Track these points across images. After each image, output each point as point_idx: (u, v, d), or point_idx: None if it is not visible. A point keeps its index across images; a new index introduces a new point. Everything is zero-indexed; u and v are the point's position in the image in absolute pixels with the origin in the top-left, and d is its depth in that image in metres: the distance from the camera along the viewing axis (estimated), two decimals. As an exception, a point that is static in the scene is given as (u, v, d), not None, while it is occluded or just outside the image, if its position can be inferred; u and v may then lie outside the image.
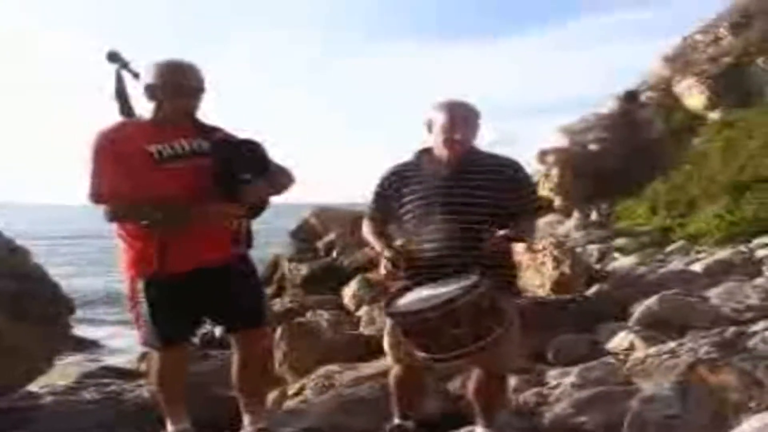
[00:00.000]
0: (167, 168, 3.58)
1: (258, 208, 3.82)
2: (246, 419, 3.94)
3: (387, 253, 3.73)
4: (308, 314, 11.21)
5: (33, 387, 7.48)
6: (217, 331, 3.72)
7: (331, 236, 18.70)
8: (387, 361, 4.08)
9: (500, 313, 3.41)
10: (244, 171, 3.68)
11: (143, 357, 10.72)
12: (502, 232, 3.49)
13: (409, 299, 3.50)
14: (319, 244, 19.07)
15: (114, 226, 3.72)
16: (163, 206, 3.50)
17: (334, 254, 17.27)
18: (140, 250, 3.65)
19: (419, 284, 3.59)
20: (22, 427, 5.76)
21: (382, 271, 3.79)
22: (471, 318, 3.27)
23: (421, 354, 3.44)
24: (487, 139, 3.80)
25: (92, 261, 34.06)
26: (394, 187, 3.84)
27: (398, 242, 3.80)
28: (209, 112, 3.83)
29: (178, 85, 3.62)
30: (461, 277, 3.42)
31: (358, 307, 11.83)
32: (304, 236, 20.32)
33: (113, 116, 3.73)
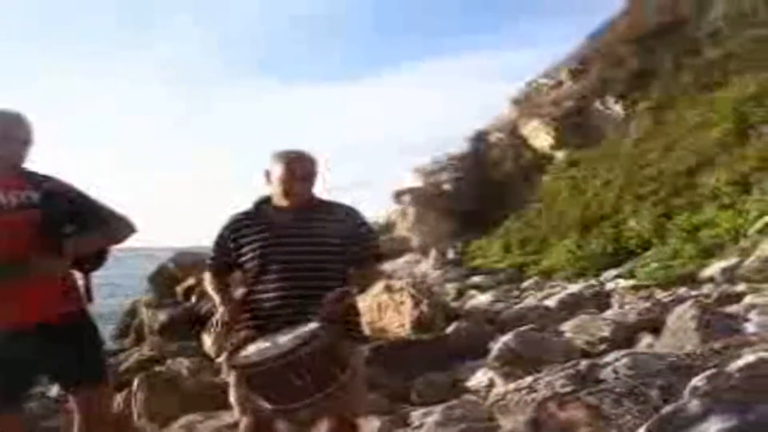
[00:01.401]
0: None
1: (94, 260, 3.72)
2: None
3: (223, 308, 3.69)
4: (168, 362, 10.96)
5: None
6: (53, 390, 3.54)
7: (190, 281, 18.36)
8: (234, 413, 4.00)
9: (343, 361, 3.41)
10: (73, 222, 3.58)
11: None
12: (338, 291, 3.53)
13: (252, 350, 3.45)
14: (178, 289, 18.68)
15: None
16: None
17: (193, 299, 16.96)
18: None
19: (262, 334, 3.55)
20: None
21: (217, 322, 3.72)
22: (313, 367, 3.26)
23: (267, 405, 3.40)
24: (339, 182, 3.84)
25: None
26: (233, 237, 3.80)
27: (237, 293, 3.79)
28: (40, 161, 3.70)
29: (4, 136, 3.50)
30: (302, 326, 3.40)
31: (218, 353, 11.64)
32: (163, 281, 19.87)
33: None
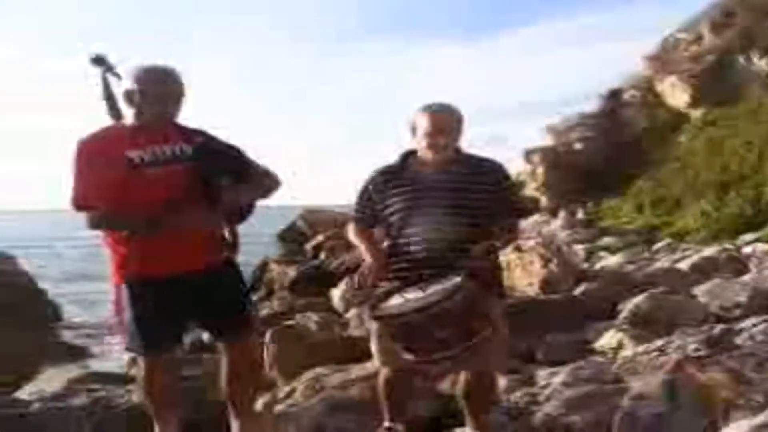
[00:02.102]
0: (148, 174, 3.55)
1: (242, 212, 3.80)
2: (234, 426, 3.93)
3: (370, 258, 3.74)
4: (297, 317, 11.18)
5: (21, 394, 7.45)
6: (205, 336, 3.68)
7: (319, 238, 18.65)
8: (375, 363, 4.07)
9: (486, 315, 3.42)
10: (223, 176, 3.66)
11: (132, 362, 10.71)
12: (483, 245, 3.50)
13: (395, 302, 3.49)
14: (307, 247, 19.01)
15: (98, 233, 3.70)
16: (141, 214, 3.47)
17: (322, 256, 17.23)
18: (124, 256, 3.62)
19: (405, 286, 3.58)
20: (10, 433, 5.73)
21: (364, 271, 3.76)
22: (456, 320, 3.27)
23: (407, 356, 3.44)
24: (476, 141, 3.81)
25: (80, 267, 33.87)
26: (379, 189, 3.83)
27: (382, 245, 3.81)
28: (189, 114, 3.78)
29: (157, 89, 3.60)
30: (446, 279, 3.42)
31: (347, 309, 11.79)
32: (292, 238, 20.26)
33: (102, 119, 3.72)
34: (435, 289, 3.38)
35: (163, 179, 3.56)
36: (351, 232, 4.02)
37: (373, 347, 3.96)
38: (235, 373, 3.87)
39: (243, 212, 3.81)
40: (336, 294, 12.82)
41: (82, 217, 3.56)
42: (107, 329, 16.62)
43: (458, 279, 3.36)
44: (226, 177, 3.67)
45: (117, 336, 3.98)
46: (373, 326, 3.90)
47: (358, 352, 7.53)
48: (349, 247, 15.96)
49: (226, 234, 3.82)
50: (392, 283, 3.69)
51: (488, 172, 3.79)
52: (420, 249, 3.66)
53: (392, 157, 3.95)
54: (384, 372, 3.99)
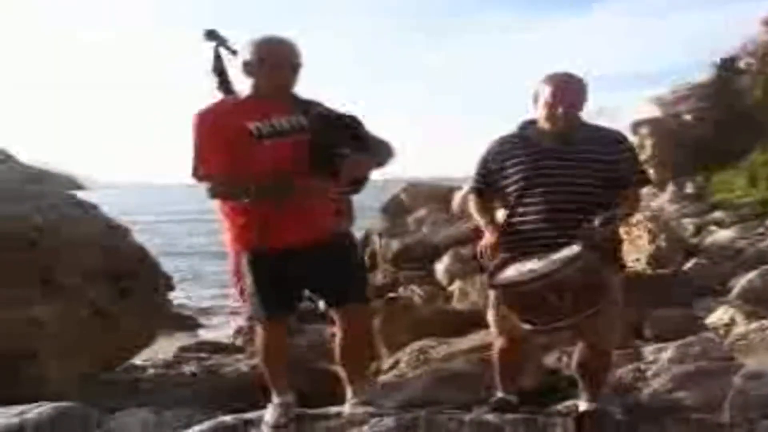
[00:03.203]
0: (266, 144, 3.59)
1: (358, 182, 3.82)
2: (349, 392, 3.97)
3: (489, 229, 3.73)
4: (400, 290, 11.26)
5: (135, 360, 7.75)
6: (320, 304, 3.77)
7: (422, 212, 18.66)
8: (490, 333, 4.08)
9: (604, 286, 3.38)
10: (342, 146, 3.66)
11: (238, 333, 10.99)
12: (603, 215, 3.43)
13: (513, 271, 3.48)
14: (410, 220, 19.05)
15: (217, 204, 3.78)
16: (262, 183, 3.53)
17: (425, 230, 17.24)
18: (243, 226, 3.69)
19: (522, 256, 3.56)
20: (125, 397, 5.95)
21: (483, 245, 3.76)
22: (574, 290, 3.25)
23: (524, 326, 3.44)
24: (584, 113, 3.72)
25: (191, 240, 34.83)
26: (498, 159, 3.78)
27: (501, 216, 3.79)
28: (306, 85, 3.79)
29: (275, 61, 3.62)
30: (565, 249, 3.39)
31: (450, 282, 11.81)
32: (395, 211, 20.32)
33: (214, 94, 3.77)
34: (553, 258, 3.36)
35: (280, 150, 3.60)
36: (469, 203, 4.01)
37: (490, 316, 3.95)
38: (350, 340, 3.91)
39: (358, 182, 3.82)
40: (439, 267, 12.84)
41: (202, 187, 3.64)
42: (217, 300, 17.15)
43: (577, 248, 3.33)
44: (343, 147, 3.67)
45: (237, 303, 4.07)
46: (490, 295, 3.89)
47: (461, 325, 7.56)
48: (452, 220, 16.02)
49: (342, 204, 3.86)
50: (510, 252, 3.66)
51: (609, 142, 3.71)
52: (537, 219, 3.62)
53: (503, 131, 3.92)
54: (499, 341, 3.98)
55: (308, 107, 3.76)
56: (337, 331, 3.97)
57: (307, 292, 3.97)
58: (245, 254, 3.72)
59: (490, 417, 3.64)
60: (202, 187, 3.64)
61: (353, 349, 3.93)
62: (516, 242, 3.65)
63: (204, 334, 12.84)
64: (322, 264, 3.71)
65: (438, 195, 19.00)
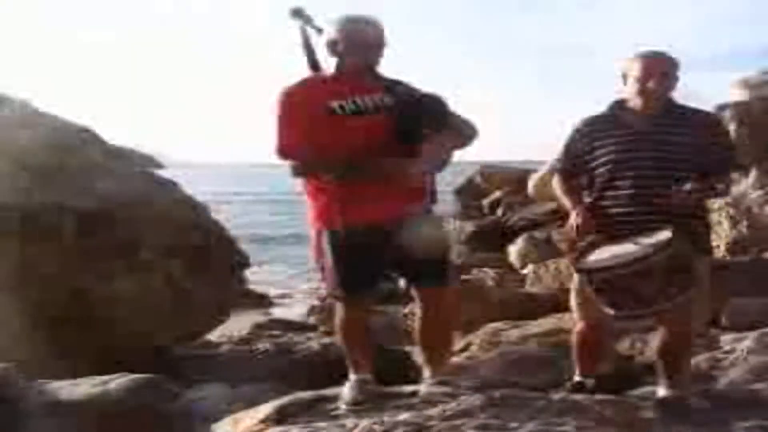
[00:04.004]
0: (349, 123, 3.61)
1: (440, 163, 3.80)
2: (427, 372, 3.95)
3: (575, 211, 3.67)
4: (474, 271, 11.21)
5: (211, 336, 7.88)
6: (401, 284, 3.78)
7: (497, 194, 18.54)
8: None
9: (693, 273, 3.32)
10: (425, 126, 3.65)
11: (312, 310, 11.09)
12: (690, 185, 3.35)
13: (600, 255, 3.44)
14: (484, 202, 18.95)
15: (299, 182, 3.80)
16: (345, 161, 3.55)
17: (499, 212, 17.13)
18: (325, 204, 3.70)
19: (611, 239, 3.51)
20: (200, 372, 6.06)
21: (569, 228, 3.71)
22: (663, 275, 3.21)
23: (610, 311, 3.39)
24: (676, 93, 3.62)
25: (268, 220, 35.22)
26: (585, 140, 3.71)
27: (588, 199, 3.73)
28: (389, 65, 3.80)
29: (360, 39, 3.64)
30: (654, 234, 3.33)
31: (523, 265, 11.72)
32: (469, 194, 20.24)
33: (299, 72, 3.79)
34: (642, 243, 3.31)
35: (364, 128, 3.61)
36: (554, 183, 3.95)
37: (572, 299, 3.91)
38: (431, 322, 3.90)
39: (442, 161, 3.81)
40: (513, 250, 12.75)
41: (282, 167, 3.69)
42: (291, 279, 17.33)
43: (668, 234, 3.27)
44: (426, 126, 3.67)
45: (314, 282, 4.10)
46: (575, 279, 3.85)
47: (534, 308, 7.51)
48: (527, 203, 15.87)
49: (425, 183, 3.85)
50: (597, 236, 3.61)
51: (703, 125, 3.63)
52: (626, 202, 3.56)
53: (583, 113, 3.85)
54: (580, 325, 3.94)
55: (392, 86, 3.75)
56: (418, 311, 3.97)
57: (389, 272, 3.97)
58: (326, 232, 3.74)
59: (579, 397, 3.58)
60: (282, 168, 3.69)
61: (434, 331, 3.92)
62: (604, 225, 3.59)
63: (277, 312, 12.97)
64: (405, 242, 3.68)
65: (513, 178, 18.85)
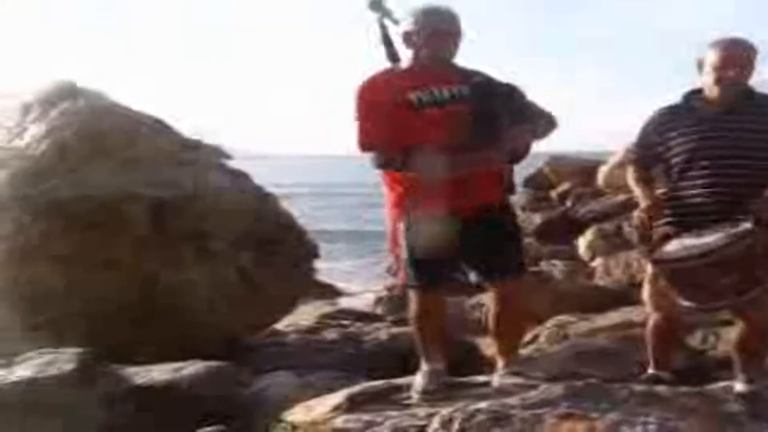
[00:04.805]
0: (427, 114, 3.61)
1: (519, 153, 3.78)
2: (500, 363, 3.96)
3: (646, 203, 3.63)
4: (542, 264, 11.15)
5: (279, 326, 7.97)
6: (472, 276, 3.74)
7: (565, 186, 18.36)
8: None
9: None
10: (503, 116, 3.64)
11: (379, 301, 11.13)
12: None
13: (675, 246, 3.38)
14: (553, 194, 18.78)
15: (379, 173, 3.82)
16: (424, 153, 3.52)
17: (568, 204, 16.96)
18: (402, 194, 3.72)
19: (685, 231, 3.46)
20: (269, 361, 6.14)
21: (641, 217, 3.66)
22: (742, 267, 3.14)
23: (685, 302, 3.34)
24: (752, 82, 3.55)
25: (341, 211, 35.36)
26: (660, 130, 3.66)
27: (661, 190, 3.69)
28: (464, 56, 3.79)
29: (435, 30, 3.63)
30: (731, 225, 3.26)
31: (592, 257, 11.61)
32: (538, 185, 20.07)
33: (378, 64, 3.81)
34: (719, 234, 3.24)
35: (442, 120, 3.61)
36: (628, 173, 3.90)
37: (645, 291, 3.88)
38: (504, 314, 3.89)
39: (521, 153, 3.79)
40: (582, 242, 12.63)
41: (361, 159, 3.73)
42: (361, 270, 17.41)
43: (745, 225, 3.20)
44: (505, 117, 3.66)
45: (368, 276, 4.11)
46: (648, 270, 3.82)
47: (602, 301, 7.45)
48: (596, 195, 15.68)
49: (503, 175, 3.83)
50: (670, 227, 3.57)
51: None
52: (701, 193, 3.50)
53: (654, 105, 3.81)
54: (654, 317, 3.89)
55: (469, 77, 3.74)
56: (492, 304, 3.96)
57: (463, 263, 3.96)
58: (402, 222, 3.76)
59: (661, 388, 3.52)
60: (360, 160, 3.71)
61: (508, 323, 3.92)
62: (679, 216, 3.55)
63: (345, 303, 13.03)
64: (482, 234, 3.70)
65: (582, 169, 18.63)
